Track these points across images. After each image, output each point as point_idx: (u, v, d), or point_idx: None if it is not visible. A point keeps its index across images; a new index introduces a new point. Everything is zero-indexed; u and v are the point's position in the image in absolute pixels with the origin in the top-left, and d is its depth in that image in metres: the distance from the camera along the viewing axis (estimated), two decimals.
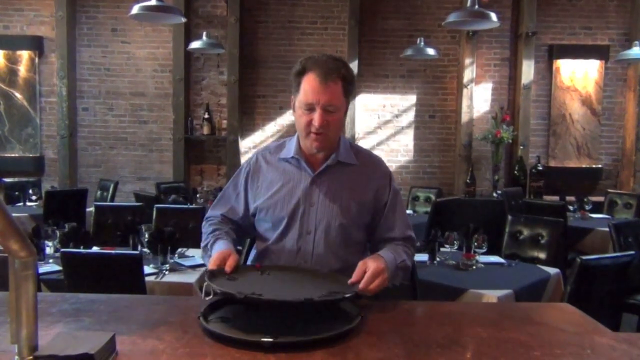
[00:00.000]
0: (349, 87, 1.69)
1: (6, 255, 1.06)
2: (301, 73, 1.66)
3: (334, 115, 1.66)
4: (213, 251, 1.64)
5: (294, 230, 1.73)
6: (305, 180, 1.74)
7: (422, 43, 5.84)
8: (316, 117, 1.63)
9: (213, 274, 1.43)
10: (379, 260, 1.55)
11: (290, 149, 1.78)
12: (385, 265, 1.55)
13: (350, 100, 1.73)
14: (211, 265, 1.52)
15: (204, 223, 1.86)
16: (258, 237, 1.84)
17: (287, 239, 1.74)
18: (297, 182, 1.75)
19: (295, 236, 1.73)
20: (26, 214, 4.92)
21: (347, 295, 1.37)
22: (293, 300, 1.26)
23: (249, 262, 1.88)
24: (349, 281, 1.47)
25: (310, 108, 1.64)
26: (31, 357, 1.05)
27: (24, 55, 6.66)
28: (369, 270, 1.49)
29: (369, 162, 1.82)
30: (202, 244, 1.77)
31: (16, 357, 1.05)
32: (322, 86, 1.62)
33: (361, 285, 1.45)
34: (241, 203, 1.83)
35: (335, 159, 1.75)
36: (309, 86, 1.63)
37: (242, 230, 1.87)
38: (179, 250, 3.19)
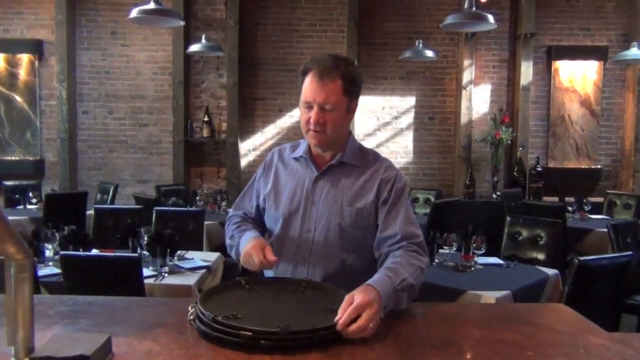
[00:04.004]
0: (351, 86, 1.69)
1: (2, 258, 1.06)
2: (304, 73, 1.70)
3: (332, 114, 1.67)
4: (242, 240, 1.73)
5: (294, 227, 1.76)
6: (310, 179, 1.78)
7: (421, 45, 5.86)
8: (313, 114, 1.66)
9: (206, 298, 1.39)
10: (368, 291, 1.36)
11: (301, 149, 1.82)
12: (375, 295, 1.35)
13: (354, 99, 1.72)
14: (256, 257, 1.60)
15: (227, 223, 1.93)
16: (266, 231, 1.89)
17: (288, 235, 1.77)
18: (302, 181, 1.79)
19: (296, 233, 1.76)
20: (26, 217, 4.93)
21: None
22: (304, 329, 1.23)
23: None
24: (335, 319, 1.27)
25: (309, 106, 1.68)
26: (27, 359, 1.05)
27: (24, 58, 6.68)
28: (354, 303, 1.30)
29: (373, 164, 1.79)
30: (228, 240, 1.85)
31: (12, 358, 1.06)
32: (319, 84, 1.65)
33: (341, 321, 1.25)
34: (254, 199, 1.91)
35: (339, 160, 1.76)
36: (308, 85, 1.67)
37: (263, 225, 1.92)
38: (178, 252, 3.20)
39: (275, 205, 1.80)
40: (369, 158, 1.81)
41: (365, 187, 1.75)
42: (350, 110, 1.74)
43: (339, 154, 1.76)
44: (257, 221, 1.90)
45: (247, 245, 1.66)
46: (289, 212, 1.77)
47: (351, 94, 1.70)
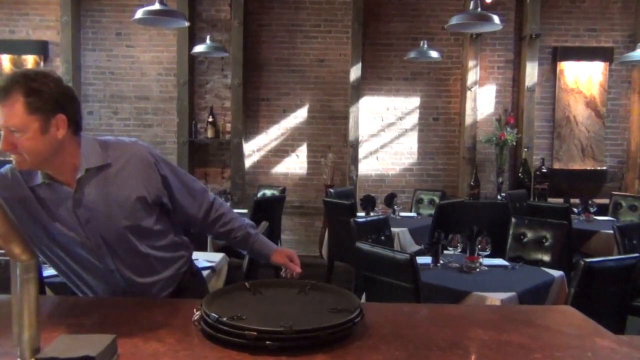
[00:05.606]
0: (36, 102, 1.45)
1: (8, 258, 1.07)
2: None
3: (21, 138, 1.46)
4: None
5: (86, 251, 1.64)
6: (67, 202, 1.59)
7: (426, 46, 5.85)
8: (1, 140, 1.48)
9: (210, 301, 1.38)
10: (279, 247, 1.95)
11: (37, 175, 1.59)
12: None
13: (50, 115, 1.48)
14: None
15: None
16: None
17: (88, 261, 1.65)
18: (62, 206, 1.59)
19: (93, 256, 1.65)
20: None
21: (357, 316, 1.33)
22: (311, 328, 1.23)
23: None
24: (298, 271, 1.84)
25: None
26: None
27: (30, 59, 6.70)
28: (293, 257, 1.86)
29: (123, 153, 1.66)
30: None
31: (18, 359, 1.06)
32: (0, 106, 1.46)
33: (298, 269, 1.83)
34: None
35: (84, 168, 1.58)
36: None
37: None
38: None
39: (48, 241, 1.62)
40: (115, 149, 1.66)
41: (129, 179, 1.63)
42: (53, 126, 1.49)
43: (80, 164, 1.58)
44: None
45: None
46: (71, 244, 1.61)
47: (43, 111, 1.47)
